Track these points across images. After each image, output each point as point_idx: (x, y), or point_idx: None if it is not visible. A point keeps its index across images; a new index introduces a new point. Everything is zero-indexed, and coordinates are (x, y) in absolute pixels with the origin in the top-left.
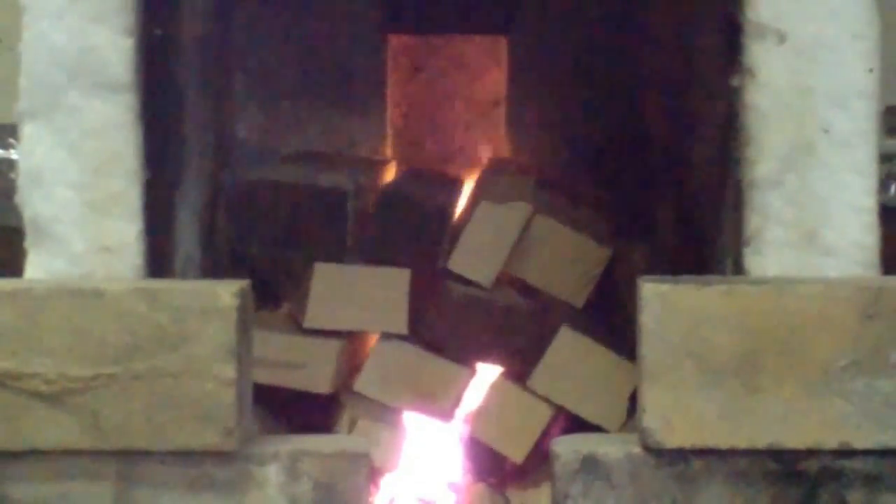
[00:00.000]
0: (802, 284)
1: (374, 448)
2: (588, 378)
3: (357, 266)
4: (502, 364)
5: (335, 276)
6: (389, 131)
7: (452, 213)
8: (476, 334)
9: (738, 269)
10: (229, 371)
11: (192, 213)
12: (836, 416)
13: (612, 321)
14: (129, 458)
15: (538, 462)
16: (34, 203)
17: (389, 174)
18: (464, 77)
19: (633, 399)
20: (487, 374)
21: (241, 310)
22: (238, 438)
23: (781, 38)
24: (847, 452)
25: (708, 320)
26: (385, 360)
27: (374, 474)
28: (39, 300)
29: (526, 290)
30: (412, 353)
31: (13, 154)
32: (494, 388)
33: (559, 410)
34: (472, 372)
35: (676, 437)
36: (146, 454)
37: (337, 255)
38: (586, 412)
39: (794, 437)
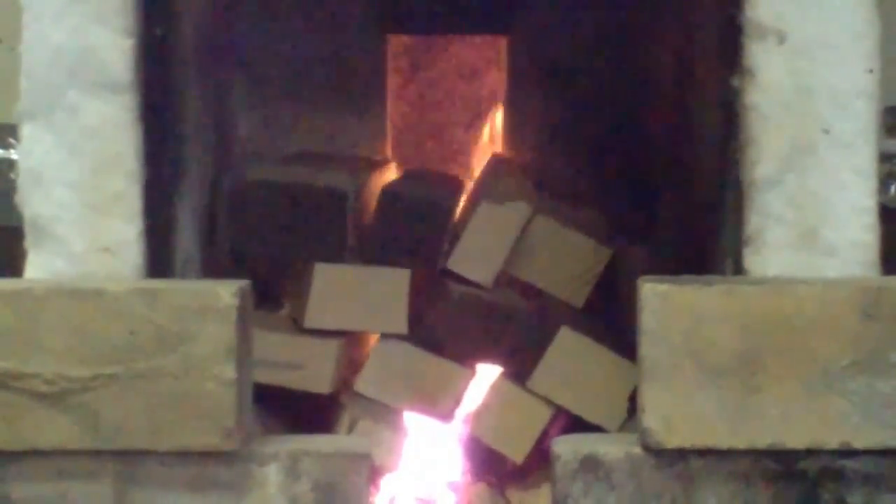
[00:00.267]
0: (802, 284)
1: (374, 448)
2: (588, 378)
3: (357, 266)
4: (502, 364)
5: (335, 276)
6: (389, 131)
7: (452, 213)
8: (476, 334)
9: (738, 269)
10: (229, 371)
11: (192, 213)
12: (836, 416)
13: (612, 321)
14: (129, 458)
15: (538, 462)
16: (34, 203)
17: (389, 174)
18: (464, 77)
19: (633, 399)
20: (487, 374)
21: (241, 310)
22: (238, 438)
23: (781, 38)
24: (847, 452)
25: (708, 320)
26: (385, 360)
27: (374, 474)
28: (39, 300)
29: (526, 290)
30: (412, 353)
31: (13, 154)
32: (494, 388)
33: (559, 410)
34: (472, 372)
35: (676, 437)
36: (146, 454)
37: (337, 255)
38: (586, 412)
39: (794, 437)
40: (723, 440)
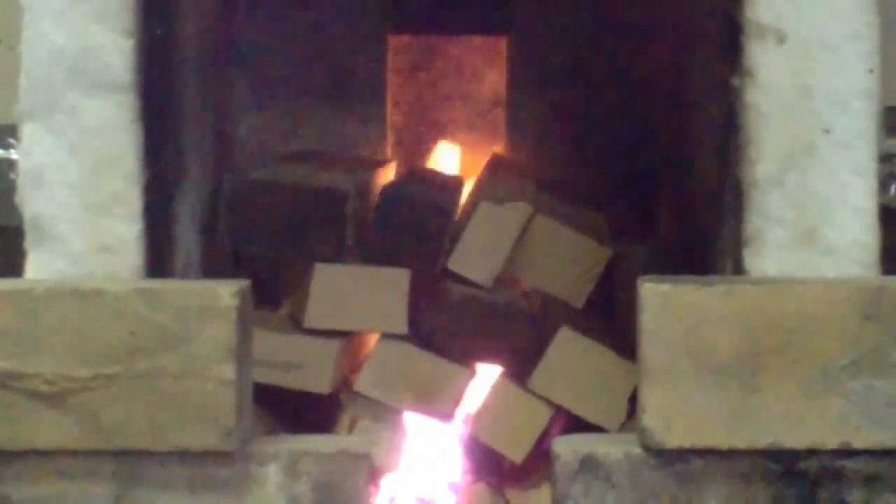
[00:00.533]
0: (802, 284)
1: (374, 448)
2: (588, 378)
3: (357, 266)
4: (502, 364)
5: (335, 276)
6: (389, 131)
7: (452, 213)
8: (476, 334)
9: (738, 269)
10: (229, 371)
11: (192, 213)
12: (836, 416)
13: (612, 321)
14: (129, 459)
15: (538, 462)
16: (34, 203)
17: (389, 174)
18: (464, 77)
19: (633, 399)
20: (487, 374)
21: (241, 310)
22: (238, 438)
23: (781, 38)
24: (847, 452)
25: (708, 320)
26: (385, 360)
27: (374, 474)
28: (39, 300)
29: (526, 290)
30: (412, 353)
31: (13, 154)
32: (494, 388)
33: (559, 410)
34: (472, 372)
35: (676, 437)
36: (146, 454)
37: (337, 255)
38: (586, 412)
39: (794, 437)
40: (723, 440)
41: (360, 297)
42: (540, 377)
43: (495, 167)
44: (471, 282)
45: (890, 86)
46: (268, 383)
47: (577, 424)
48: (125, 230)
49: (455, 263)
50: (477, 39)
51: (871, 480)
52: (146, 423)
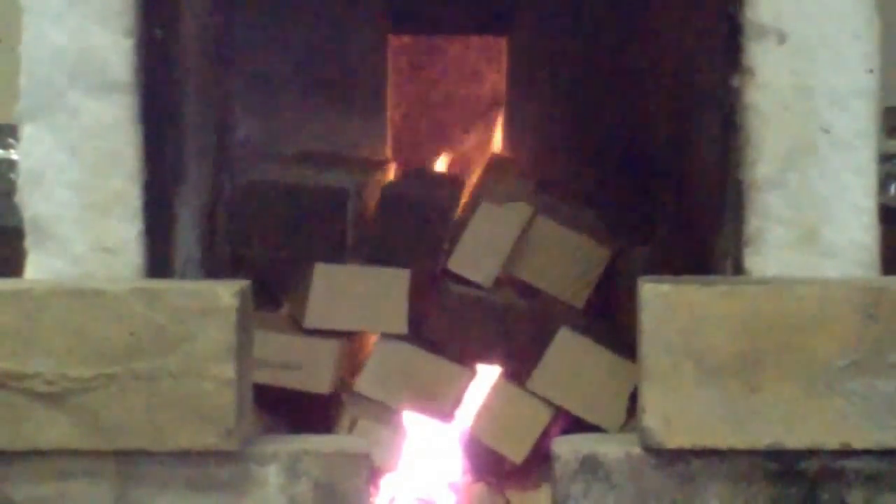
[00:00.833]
0: (802, 284)
1: (374, 448)
2: (588, 378)
3: (357, 266)
4: (502, 364)
5: (335, 276)
6: (389, 131)
7: (452, 213)
8: (476, 334)
9: (738, 269)
10: (229, 371)
11: (192, 213)
12: (836, 416)
13: (612, 321)
14: (129, 458)
15: (538, 462)
16: (34, 203)
17: (389, 174)
18: (464, 77)
19: (633, 399)
20: (487, 374)
21: (241, 310)
22: (238, 438)
23: (781, 38)
24: (847, 452)
25: (708, 320)
26: (385, 360)
27: (374, 474)
28: (39, 300)
29: (526, 290)
30: (412, 353)
31: (13, 154)
32: (494, 388)
33: (559, 411)
34: (472, 372)
35: (676, 437)
36: (146, 454)
37: (337, 255)
38: (586, 412)
39: (794, 437)
40: (723, 440)
41: (360, 297)
42: (540, 377)
43: (495, 167)
44: (471, 282)
45: (890, 86)
46: (268, 383)
47: (577, 424)
48: (125, 230)
49: (455, 263)
50: (477, 39)
51: (871, 480)
52: (146, 423)
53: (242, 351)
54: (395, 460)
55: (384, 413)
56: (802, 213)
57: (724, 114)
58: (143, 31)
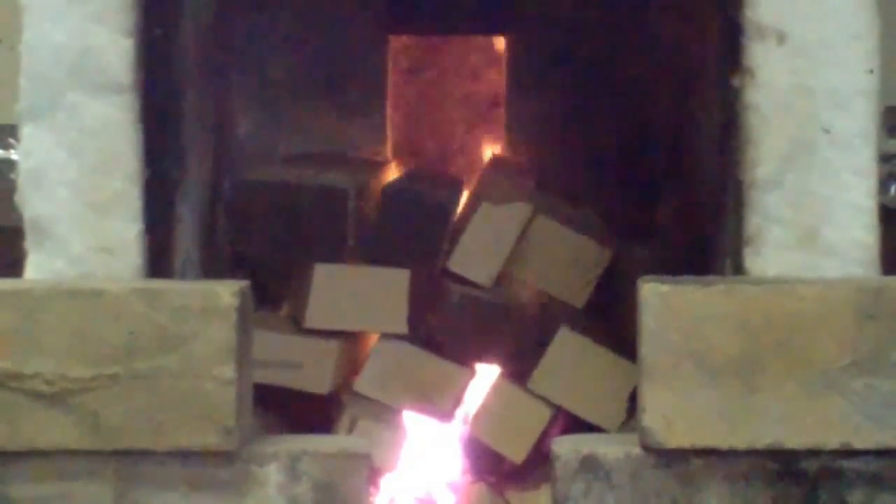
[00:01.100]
0: (802, 284)
1: (374, 448)
2: (588, 378)
3: (357, 266)
4: (502, 364)
5: (335, 276)
6: (389, 132)
7: (452, 213)
8: (476, 334)
9: (738, 269)
10: (229, 371)
11: (192, 213)
12: (836, 416)
13: (612, 321)
14: (129, 458)
15: (538, 462)
16: (34, 203)
17: (389, 174)
18: (464, 77)
19: (633, 399)
20: (487, 374)
21: (241, 310)
22: (238, 438)
23: (781, 38)
24: (847, 452)
25: (708, 320)
26: (385, 360)
27: (374, 474)
28: (39, 300)
29: (526, 290)
30: (412, 353)
31: (13, 154)
32: (494, 388)
33: (559, 411)
34: (472, 372)
35: (676, 437)
36: (146, 454)
37: (337, 255)
38: (586, 412)
39: (794, 437)
40: (723, 440)
41: (360, 297)
42: (540, 377)
43: (495, 167)
44: (471, 282)
45: (890, 86)
46: (268, 383)
47: (577, 424)
48: (125, 230)
49: (455, 263)
50: (477, 39)
51: (871, 480)
52: (146, 423)
53: (242, 351)
54: (395, 460)
55: (384, 413)
56: (802, 213)
57: (724, 114)
58: (143, 30)
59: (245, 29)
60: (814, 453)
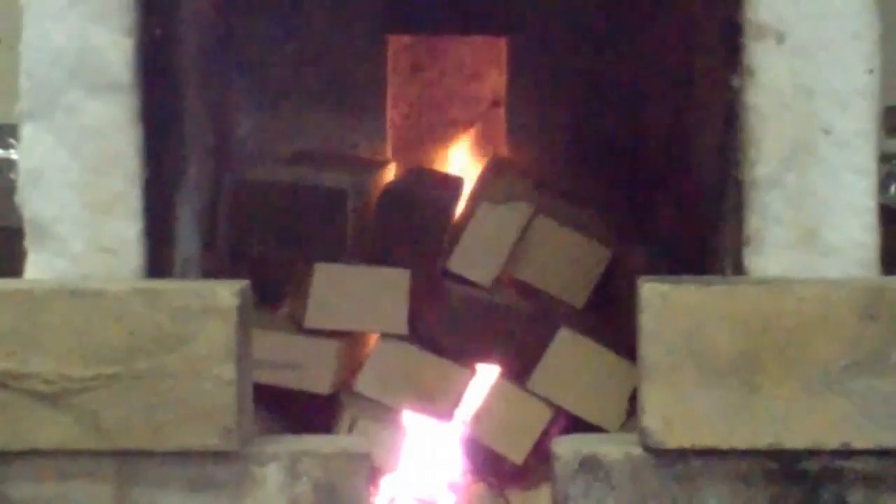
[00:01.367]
0: (802, 284)
1: (374, 448)
2: (588, 378)
3: (357, 266)
4: (502, 364)
5: (335, 276)
6: (389, 131)
7: (452, 213)
8: (476, 334)
9: (738, 269)
10: (229, 371)
11: (192, 213)
12: (836, 416)
13: (612, 321)
14: (129, 458)
15: (538, 462)
16: (34, 203)
17: (389, 174)
18: (464, 77)
19: (633, 399)
20: (487, 374)
21: (241, 310)
22: (238, 438)
23: (781, 38)
24: (847, 452)
25: (708, 320)
26: (385, 360)
27: (374, 474)
28: (39, 300)
29: (526, 290)
30: (412, 353)
31: (13, 154)
32: (494, 388)
33: (559, 411)
34: (472, 372)
35: (676, 437)
36: (146, 454)
37: (337, 255)
38: (586, 412)
39: (794, 437)
40: (723, 440)
41: (360, 297)
42: (540, 377)
43: (495, 167)
44: (471, 282)
45: (890, 86)
46: (268, 383)
47: (577, 424)
48: (125, 230)
49: (455, 263)
50: (477, 39)
51: (871, 480)
52: (146, 423)
53: (242, 351)
54: (395, 460)
55: (384, 413)
56: (802, 212)
57: (724, 114)
58: (142, 30)
59: (245, 29)
60: (814, 453)
